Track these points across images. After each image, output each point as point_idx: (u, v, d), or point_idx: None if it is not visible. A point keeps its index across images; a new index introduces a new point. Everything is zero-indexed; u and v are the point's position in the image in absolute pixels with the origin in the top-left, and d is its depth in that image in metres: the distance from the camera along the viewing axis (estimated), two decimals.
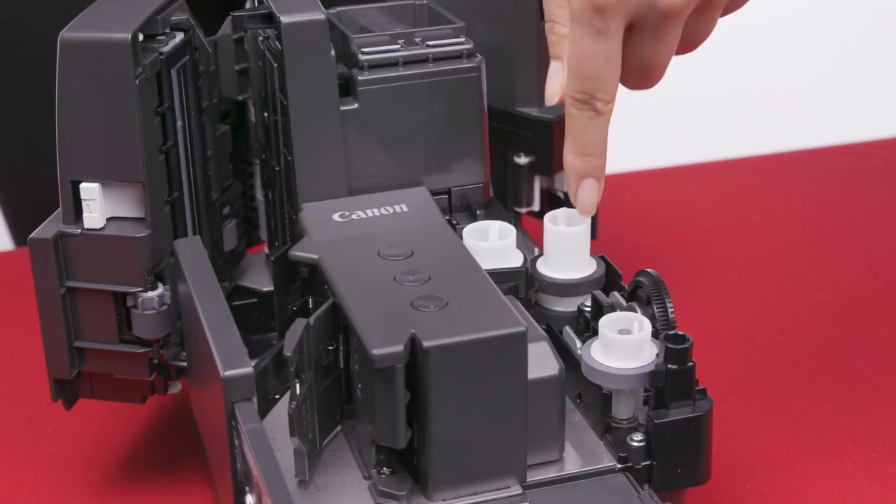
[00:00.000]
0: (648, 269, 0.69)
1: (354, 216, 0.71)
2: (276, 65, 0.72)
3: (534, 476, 0.64)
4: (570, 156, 0.68)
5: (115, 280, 0.70)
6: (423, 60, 0.73)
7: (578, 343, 0.69)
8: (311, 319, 0.63)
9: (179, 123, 0.74)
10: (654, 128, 2.71)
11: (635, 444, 0.65)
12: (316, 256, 0.67)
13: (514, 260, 0.71)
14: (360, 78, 0.72)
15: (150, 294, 0.70)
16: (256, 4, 0.75)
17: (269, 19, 0.72)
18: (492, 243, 0.71)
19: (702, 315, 0.93)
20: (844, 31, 2.93)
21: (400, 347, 0.59)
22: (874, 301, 0.95)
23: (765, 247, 1.04)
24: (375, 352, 0.59)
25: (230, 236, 0.81)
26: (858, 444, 0.79)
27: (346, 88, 0.73)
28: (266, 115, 0.76)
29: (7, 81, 1.08)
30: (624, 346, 0.65)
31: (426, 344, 0.59)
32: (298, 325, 0.61)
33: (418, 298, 0.62)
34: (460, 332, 0.60)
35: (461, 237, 0.71)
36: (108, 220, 0.70)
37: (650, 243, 1.04)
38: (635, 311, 0.68)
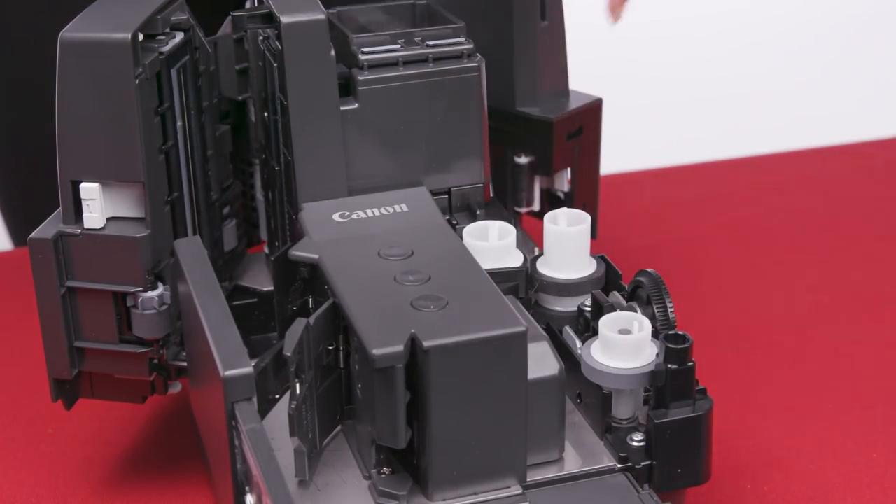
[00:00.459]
0: (648, 269, 0.69)
1: (354, 216, 0.71)
2: (276, 65, 0.72)
3: (534, 476, 0.64)
4: None
5: (115, 280, 0.70)
6: (423, 60, 0.73)
7: (578, 343, 0.69)
8: (311, 319, 0.62)
9: (179, 123, 0.74)
10: (655, 128, 2.71)
11: (635, 443, 0.65)
12: (316, 256, 0.67)
13: (514, 260, 0.71)
14: (360, 78, 0.72)
15: (150, 294, 0.70)
16: (256, 4, 0.75)
17: (269, 19, 0.72)
18: (492, 243, 0.71)
19: (702, 315, 0.93)
20: (844, 31, 2.93)
21: (400, 347, 0.59)
22: (874, 301, 0.95)
23: (765, 247, 1.04)
24: (375, 352, 0.59)
25: (230, 236, 0.81)
26: (858, 444, 0.79)
27: (346, 88, 0.73)
28: (266, 115, 0.76)
29: (5, 81, 1.08)
30: (624, 345, 0.65)
31: (426, 344, 0.59)
32: (298, 325, 0.61)
33: (418, 298, 0.62)
34: (460, 332, 0.60)
35: (461, 237, 0.71)
36: (108, 220, 0.70)
37: (650, 243, 1.04)
38: (635, 311, 0.68)
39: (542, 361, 0.63)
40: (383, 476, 0.63)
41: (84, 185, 0.69)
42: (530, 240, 0.80)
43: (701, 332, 0.89)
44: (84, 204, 0.69)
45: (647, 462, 0.64)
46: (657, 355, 0.65)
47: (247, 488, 0.60)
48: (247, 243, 0.84)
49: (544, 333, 0.65)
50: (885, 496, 0.75)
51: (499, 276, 0.69)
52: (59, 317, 0.70)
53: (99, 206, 0.69)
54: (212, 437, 0.65)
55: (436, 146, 0.74)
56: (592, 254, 0.73)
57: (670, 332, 0.64)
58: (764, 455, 0.78)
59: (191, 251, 0.68)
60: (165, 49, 0.71)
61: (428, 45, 0.73)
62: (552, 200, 0.84)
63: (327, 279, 0.66)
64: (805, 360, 0.88)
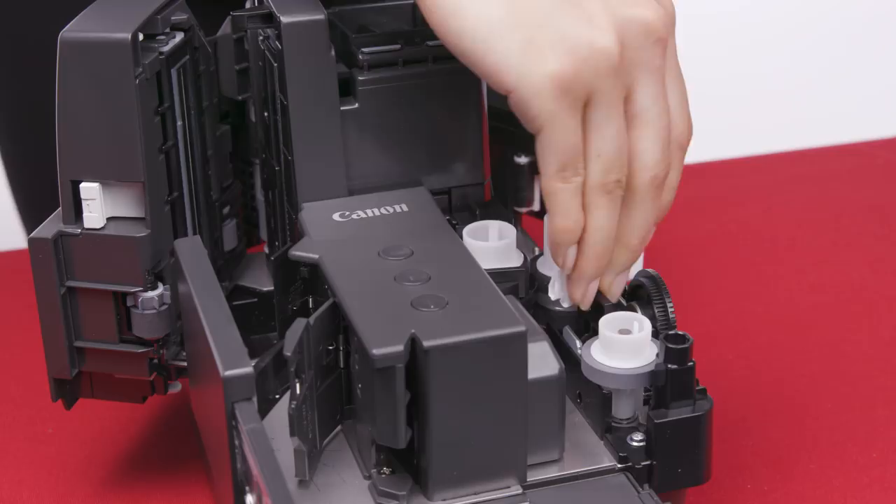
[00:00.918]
0: (648, 269, 0.69)
1: (354, 216, 0.71)
2: (276, 65, 0.72)
3: (534, 476, 0.64)
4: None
5: (115, 280, 0.70)
6: (422, 60, 0.73)
7: (578, 343, 0.69)
8: (311, 319, 0.62)
9: (179, 123, 0.73)
10: None
11: (635, 443, 0.65)
12: (316, 256, 0.67)
13: (514, 260, 0.71)
14: (359, 78, 0.72)
15: (150, 294, 0.70)
16: (256, 4, 0.75)
17: (269, 19, 0.72)
18: (492, 243, 0.71)
19: (702, 315, 0.93)
20: (844, 31, 2.93)
21: (400, 347, 0.59)
22: (874, 301, 0.95)
23: (765, 247, 1.03)
24: (375, 352, 0.59)
25: (230, 236, 0.80)
26: (858, 443, 0.79)
27: (346, 88, 0.73)
28: (266, 114, 0.76)
29: (24, 82, 1.08)
30: (624, 345, 0.65)
31: (426, 344, 0.59)
32: (298, 325, 0.61)
33: (418, 298, 0.62)
34: (460, 332, 0.60)
35: (461, 237, 0.71)
36: (108, 219, 0.70)
37: (650, 243, 1.03)
38: (635, 311, 0.68)
39: (542, 361, 0.63)
40: (383, 476, 0.63)
41: (84, 185, 0.69)
42: (530, 240, 0.80)
43: (701, 332, 0.89)
44: (84, 203, 0.69)
45: (648, 462, 0.65)
46: (657, 355, 0.65)
47: (247, 488, 0.59)
48: (247, 243, 0.84)
49: (544, 333, 0.65)
50: (885, 496, 0.75)
51: (499, 276, 0.69)
52: (59, 316, 0.70)
53: (99, 205, 0.69)
54: (212, 437, 0.65)
55: (436, 146, 0.74)
56: None
57: (670, 332, 0.64)
58: (764, 455, 0.78)
59: (191, 251, 0.68)
60: (165, 49, 0.71)
61: (428, 45, 0.73)
62: None
63: (327, 279, 0.65)
64: (805, 360, 0.88)
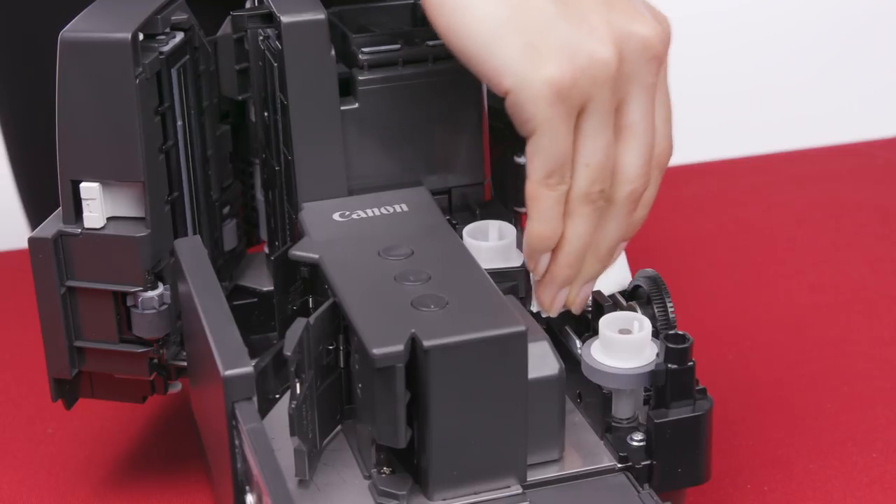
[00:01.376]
0: (648, 269, 0.69)
1: (354, 216, 0.71)
2: (276, 64, 0.72)
3: (534, 476, 0.64)
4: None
5: (115, 280, 0.70)
6: (423, 59, 0.73)
7: (578, 343, 0.69)
8: (311, 319, 0.62)
9: (179, 123, 0.73)
10: None
11: (635, 443, 0.65)
12: (316, 256, 0.67)
13: (514, 260, 0.71)
14: (360, 77, 0.72)
15: (150, 294, 0.70)
16: (256, 4, 0.75)
17: (269, 19, 0.72)
18: (492, 243, 0.71)
19: (702, 315, 0.93)
20: (844, 31, 2.93)
21: (400, 347, 0.59)
22: (874, 301, 0.95)
23: (765, 247, 1.03)
24: (376, 351, 0.59)
25: (230, 236, 0.80)
26: (858, 443, 0.79)
27: (346, 88, 0.72)
28: (266, 114, 0.75)
29: (28, 82, 1.08)
30: (624, 345, 0.65)
31: (426, 343, 0.59)
32: (298, 325, 0.61)
33: (418, 298, 0.62)
34: (460, 332, 0.60)
35: (461, 237, 0.71)
36: (108, 219, 0.70)
37: (650, 243, 1.03)
38: (635, 311, 0.68)
39: (542, 361, 0.63)
40: (383, 476, 0.63)
41: (84, 185, 0.69)
42: None
43: (701, 332, 0.89)
44: (84, 203, 0.69)
45: (648, 462, 0.65)
46: (657, 355, 0.65)
47: (247, 488, 0.59)
48: (247, 243, 0.84)
49: (544, 333, 0.65)
50: (885, 496, 0.75)
51: (499, 276, 0.69)
52: (59, 316, 0.70)
53: (99, 205, 0.69)
54: (212, 436, 0.65)
55: (436, 146, 0.74)
56: None
57: (670, 332, 0.64)
58: (764, 455, 0.78)
59: (191, 251, 0.68)
60: (165, 49, 0.71)
61: (428, 45, 0.73)
62: None
63: (327, 279, 0.65)
64: (805, 360, 0.88)
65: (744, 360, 0.88)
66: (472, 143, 0.75)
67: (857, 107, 2.57)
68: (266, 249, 0.82)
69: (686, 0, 3.31)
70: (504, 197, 0.81)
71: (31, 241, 0.69)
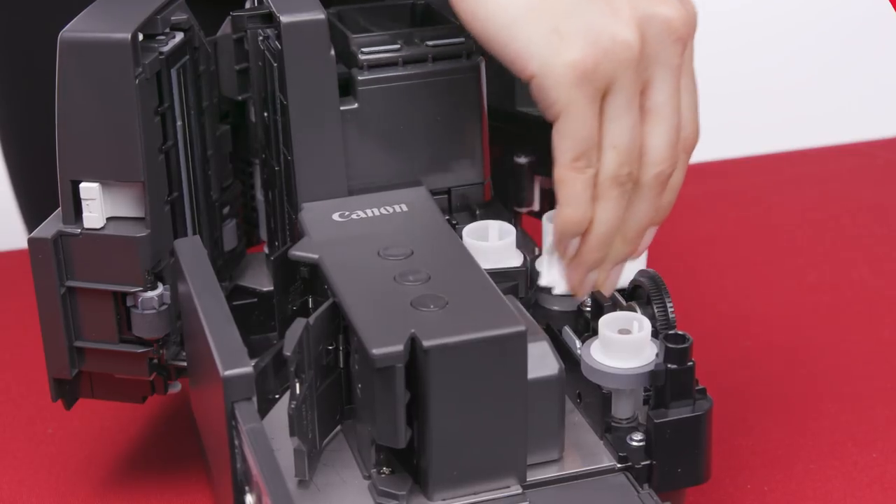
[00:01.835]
0: (648, 269, 0.69)
1: (354, 216, 0.70)
2: (276, 65, 0.72)
3: (534, 476, 0.64)
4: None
5: (115, 280, 0.70)
6: (422, 60, 0.73)
7: (578, 343, 0.69)
8: (311, 319, 0.62)
9: (179, 123, 0.73)
10: None
11: (635, 443, 0.65)
12: (316, 256, 0.67)
13: (514, 260, 0.71)
14: (359, 78, 0.72)
15: (150, 294, 0.70)
16: (256, 4, 0.75)
17: (269, 19, 0.72)
18: (492, 243, 0.71)
19: (702, 315, 0.93)
20: (844, 31, 2.92)
21: (400, 347, 0.59)
22: (874, 301, 0.95)
23: (765, 247, 1.03)
24: (375, 351, 0.59)
25: (230, 236, 0.80)
26: (858, 443, 0.79)
27: (346, 88, 0.72)
28: (266, 115, 0.75)
29: (25, 82, 1.07)
30: (624, 345, 0.65)
31: (426, 343, 0.59)
32: (298, 325, 0.61)
33: (418, 298, 0.62)
34: (460, 332, 0.60)
35: (461, 237, 0.71)
36: (108, 219, 0.70)
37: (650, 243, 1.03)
38: (635, 311, 0.68)
39: (542, 361, 0.63)
40: (383, 476, 0.63)
41: (84, 185, 0.68)
42: (530, 240, 0.80)
43: (701, 332, 0.89)
44: (84, 204, 0.69)
45: (647, 462, 0.64)
46: (657, 355, 0.65)
47: (247, 488, 0.59)
48: (247, 243, 0.84)
49: (544, 333, 0.65)
50: (885, 496, 0.75)
51: (499, 276, 0.68)
52: (59, 316, 0.70)
53: (99, 205, 0.69)
54: (212, 437, 0.65)
55: (436, 146, 0.74)
56: None
57: (670, 332, 0.64)
58: (764, 455, 0.78)
59: (191, 251, 0.68)
60: (165, 49, 0.71)
61: (427, 45, 0.73)
62: (552, 200, 0.83)
63: (327, 279, 0.65)
64: (805, 360, 0.88)
65: (744, 360, 0.88)
66: (472, 143, 0.75)
67: (857, 107, 2.56)
68: (266, 249, 0.82)
69: None
70: (504, 197, 0.81)
71: (30, 241, 0.69)
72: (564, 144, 0.64)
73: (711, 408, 0.65)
